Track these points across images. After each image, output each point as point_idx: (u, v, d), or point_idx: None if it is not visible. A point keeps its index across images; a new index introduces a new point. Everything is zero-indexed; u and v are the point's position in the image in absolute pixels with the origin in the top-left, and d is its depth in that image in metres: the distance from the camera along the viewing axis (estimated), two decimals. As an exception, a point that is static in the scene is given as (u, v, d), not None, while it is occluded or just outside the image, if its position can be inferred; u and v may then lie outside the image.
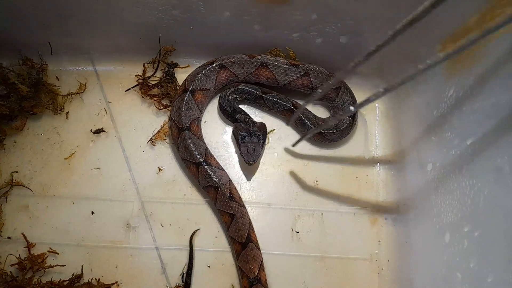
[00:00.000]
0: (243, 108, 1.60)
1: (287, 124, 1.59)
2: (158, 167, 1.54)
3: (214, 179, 1.43)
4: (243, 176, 1.56)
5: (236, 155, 1.58)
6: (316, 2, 1.26)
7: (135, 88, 1.59)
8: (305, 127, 1.53)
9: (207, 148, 1.49)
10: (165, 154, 1.56)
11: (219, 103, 1.57)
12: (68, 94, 1.57)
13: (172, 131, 1.49)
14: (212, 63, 1.51)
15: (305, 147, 1.60)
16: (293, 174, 1.57)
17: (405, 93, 1.50)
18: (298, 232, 1.51)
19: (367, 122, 1.64)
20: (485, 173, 0.99)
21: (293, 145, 1.42)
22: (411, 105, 1.47)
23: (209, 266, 1.47)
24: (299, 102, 1.57)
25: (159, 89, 1.56)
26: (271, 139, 1.60)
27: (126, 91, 1.59)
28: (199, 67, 1.53)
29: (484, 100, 1.02)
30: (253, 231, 1.44)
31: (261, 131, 1.47)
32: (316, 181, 1.57)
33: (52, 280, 1.39)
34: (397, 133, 1.58)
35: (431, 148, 1.30)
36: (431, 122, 1.30)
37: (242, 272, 1.40)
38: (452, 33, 1.17)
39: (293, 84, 1.54)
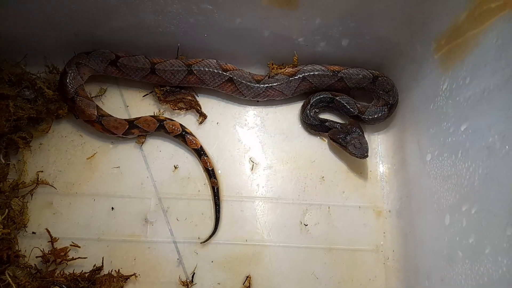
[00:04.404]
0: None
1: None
2: (174, 165, 1.64)
3: None
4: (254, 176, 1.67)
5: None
6: (320, 7, 1.37)
7: (152, 93, 1.71)
8: (345, 109, 1.66)
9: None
10: (180, 153, 1.66)
11: (306, 123, 1.68)
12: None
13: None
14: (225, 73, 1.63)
15: (312, 145, 1.70)
16: (300, 171, 1.66)
17: (405, 92, 1.61)
18: (306, 225, 1.59)
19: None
20: (479, 152, 1.08)
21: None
22: (410, 102, 1.57)
23: (212, 261, 1.55)
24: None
25: (173, 95, 1.68)
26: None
27: (143, 96, 1.71)
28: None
29: (475, 87, 1.12)
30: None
31: (356, 126, 1.60)
32: (323, 177, 1.66)
33: (74, 272, 1.46)
34: (398, 130, 1.67)
35: (429, 140, 1.40)
36: (428, 115, 1.40)
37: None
38: (445, 31, 1.28)
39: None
